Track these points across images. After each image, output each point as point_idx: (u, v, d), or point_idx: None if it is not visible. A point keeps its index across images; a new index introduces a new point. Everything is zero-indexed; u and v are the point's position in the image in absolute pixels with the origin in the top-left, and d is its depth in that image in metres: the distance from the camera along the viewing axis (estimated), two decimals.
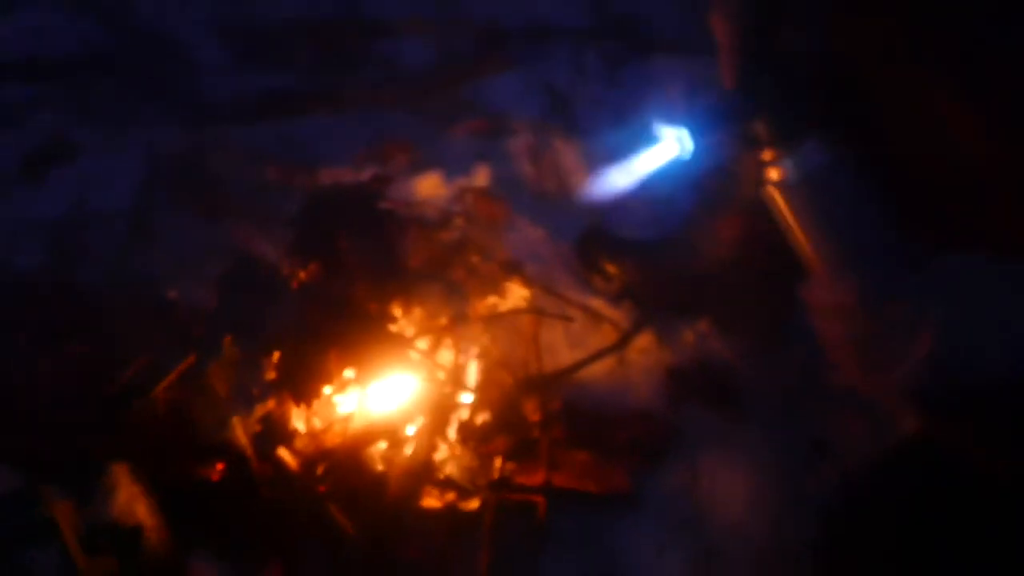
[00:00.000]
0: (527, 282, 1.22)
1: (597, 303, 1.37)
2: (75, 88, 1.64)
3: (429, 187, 1.58)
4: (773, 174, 0.65)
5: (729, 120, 0.64)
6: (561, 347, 1.29)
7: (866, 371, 0.67)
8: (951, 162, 0.68)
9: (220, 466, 0.87)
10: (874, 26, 0.68)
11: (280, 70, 1.93)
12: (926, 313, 0.63)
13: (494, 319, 1.10)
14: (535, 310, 1.16)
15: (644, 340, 1.33)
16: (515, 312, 1.14)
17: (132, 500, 0.76)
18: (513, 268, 1.17)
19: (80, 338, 0.93)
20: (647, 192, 1.67)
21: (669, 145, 0.64)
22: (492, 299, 1.13)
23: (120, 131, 1.56)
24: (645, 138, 0.65)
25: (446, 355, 1.00)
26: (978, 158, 0.66)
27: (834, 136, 0.67)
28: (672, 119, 0.63)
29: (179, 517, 0.81)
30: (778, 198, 0.65)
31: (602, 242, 1.48)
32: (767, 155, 0.65)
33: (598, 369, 1.25)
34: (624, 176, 0.66)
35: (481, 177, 1.62)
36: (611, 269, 1.44)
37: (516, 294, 1.19)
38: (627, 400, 1.20)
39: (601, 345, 1.26)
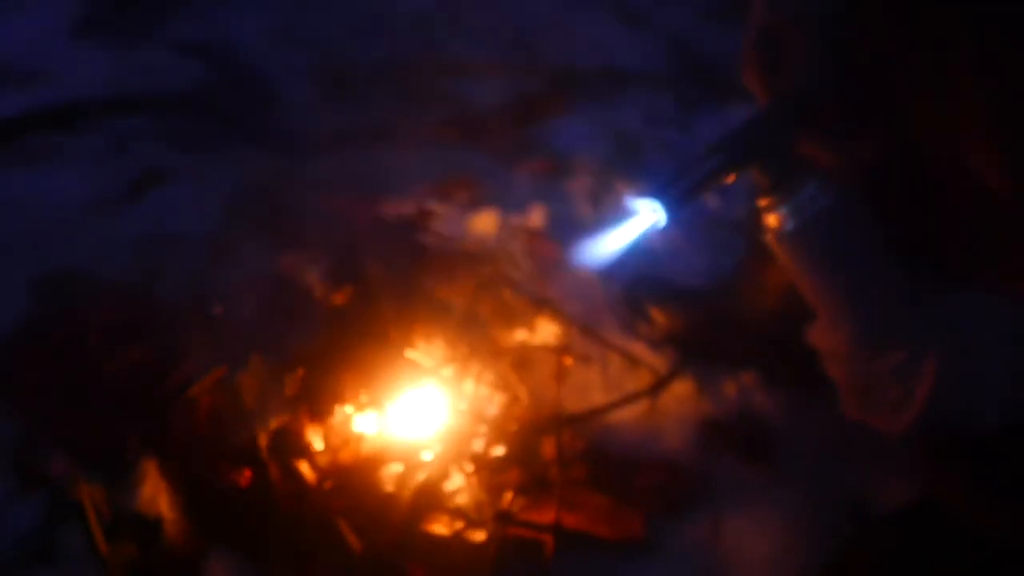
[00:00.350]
0: (557, 319, 1.24)
1: (639, 348, 1.36)
2: (176, 121, 1.82)
3: (484, 223, 1.63)
4: (771, 220, 0.64)
5: (717, 175, 0.64)
6: (595, 388, 1.29)
7: (873, 418, 0.65)
8: (970, 201, 0.65)
9: (247, 473, 0.93)
10: (898, 56, 0.66)
11: (360, 107, 2.06)
12: (926, 358, 0.60)
13: (520, 354, 1.12)
14: (560, 348, 1.17)
15: (682, 389, 1.31)
16: (538, 349, 1.16)
17: (157, 494, 0.82)
18: (543, 304, 1.19)
19: (140, 344, 1.02)
20: (702, 238, 1.66)
21: (643, 217, 0.65)
22: (520, 334, 1.16)
23: (210, 162, 1.70)
24: (621, 212, 0.67)
25: (468, 386, 1.03)
26: (1002, 197, 0.63)
27: (835, 179, 0.66)
28: (646, 193, 0.65)
29: (201, 516, 0.88)
30: (776, 244, 0.65)
31: (650, 287, 1.48)
32: (763, 201, 0.65)
33: (629, 413, 1.23)
34: (600, 249, 0.68)
35: (537, 216, 1.66)
36: (657, 315, 1.43)
37: (545, 331, 1.21)
38: (655, 447, 1.18)
39: (635, 389, 1.25)
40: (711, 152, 0.64)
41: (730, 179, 0.63)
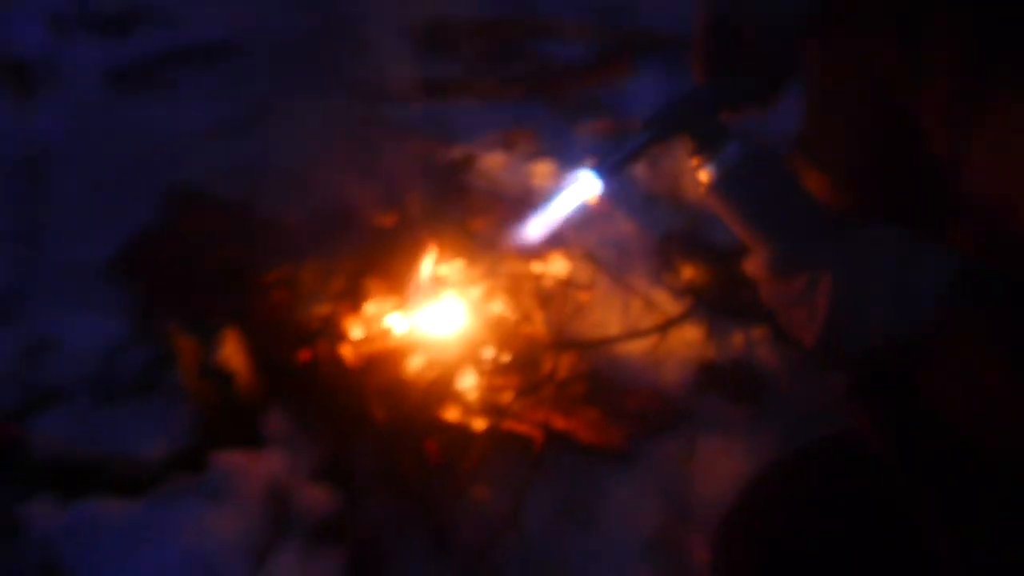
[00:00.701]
0: (582, 259, 1.40)
1: (661, 295, 1.51)
2: (285, 65, 2.08)
3: (540, 173, 1.80)
4: (702, 176, 0.75)
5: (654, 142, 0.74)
6: (611, 324, 1.45)
7: (794, 334, 0.74)
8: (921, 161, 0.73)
9: (304, 349, 1.17)
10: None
11: (446, 62, 2.26)
12: (823, 281, 0.66)
13: (539, 283, 1.30)
14: (579, 284, 1.34)
15: (692, 334, 1.44)
16: (558, 282, 1.33)
17: (233, 355, 1.08)
18: (569, 244, 1.36)
19: (233, 244, 1.28)
20: None
21: (580, 187, 0.74)
22: (541, 267, 1.33)
23: (308, 103, 1.96)
24: (560, 184, 0.75)
25: (486, 303, 1.23)
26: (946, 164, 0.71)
27: (755, 137, 0.76)
28: (582, 164, 0.73)
29: (265, 377, 1.13)
30: (707, 195, 0.76)
31: (683, 242, 1.60)
32: (694, 161, 0.75)
33: (637, 348, 1.39)
34: (540, 222, 0.76)
35: None
36: (684, 268, 1.57)
37: (569, 268, 1.38)
38: (652, 379, 1.33)
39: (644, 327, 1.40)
40: (643, 127, 0.75)
41: (659, 149, 0.75)
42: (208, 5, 2.17)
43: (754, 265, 0.74)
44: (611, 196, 1.87)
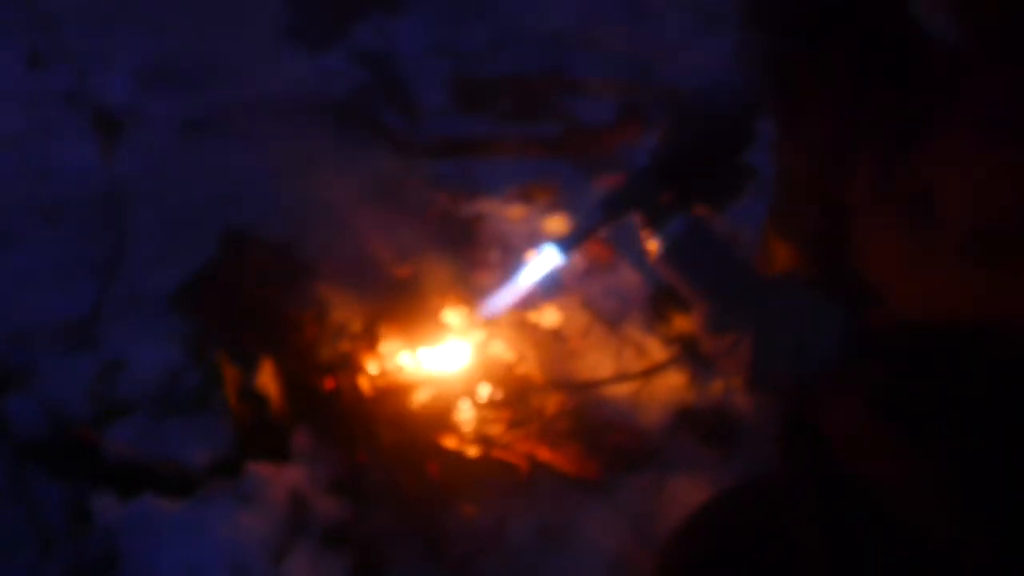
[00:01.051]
0: (582, 308, 1.58)
1: (652, 343, 1.67)
2: (337, 119, 2.33)
3: (554, 225, 1.99)
4: (651, 247, 0.92)
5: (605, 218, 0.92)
6: (606, 367, 1.62)
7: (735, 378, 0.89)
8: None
9: (328, 379, 1.38)
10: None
11: (480, 118, 2.49)
12: (746, 336, 0.80)
13: (536, 330, 1.48)
14: (574, 332, 1.51)
15: (675, 380, 1.60)
16: (555, 329, 1.51)
17: (269, 382, 1.30)
18: (569, 294, 1.54)
19: (273, 284, 1.51)
20: None
21: (545, 260, 0.86)
22: (539, 316, 1.52)
23: (354, 155, 2.20)
24: (526, 258, 0.83)
25: (485, 346, 1.42)
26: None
27: (696, 212, 0.92)
28: (546, 241, 0.88)
29: (294, 401, 1.34)
30: (655, 263, 0.92)
31: (674, 293, 1.76)
32: (643, 234, 0.92)
33: (623, 391, 1.55)
34: (503, 298, 0.90)
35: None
36: (676, 319, 1.72)
37: (566, 317, 1.56)
38: (632, 419, 1.49)
39: (629, 371, 1.56)
40: (598, 207, 0.93)
41: (612, 224, 0.92)
42: (269, 62, 2.45)
43: (695, 323, 0.90)
44: (617, 248, 2.04)
